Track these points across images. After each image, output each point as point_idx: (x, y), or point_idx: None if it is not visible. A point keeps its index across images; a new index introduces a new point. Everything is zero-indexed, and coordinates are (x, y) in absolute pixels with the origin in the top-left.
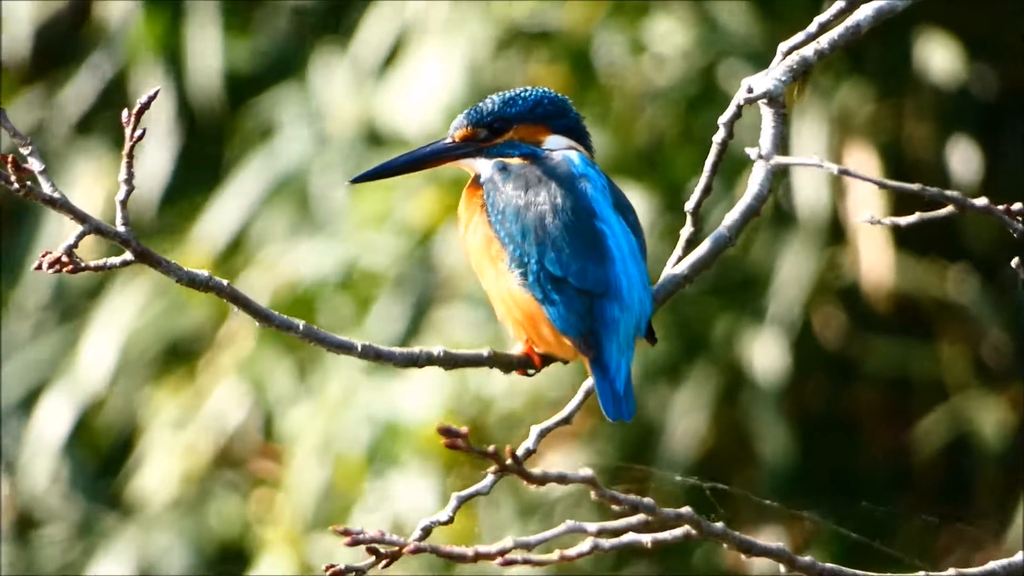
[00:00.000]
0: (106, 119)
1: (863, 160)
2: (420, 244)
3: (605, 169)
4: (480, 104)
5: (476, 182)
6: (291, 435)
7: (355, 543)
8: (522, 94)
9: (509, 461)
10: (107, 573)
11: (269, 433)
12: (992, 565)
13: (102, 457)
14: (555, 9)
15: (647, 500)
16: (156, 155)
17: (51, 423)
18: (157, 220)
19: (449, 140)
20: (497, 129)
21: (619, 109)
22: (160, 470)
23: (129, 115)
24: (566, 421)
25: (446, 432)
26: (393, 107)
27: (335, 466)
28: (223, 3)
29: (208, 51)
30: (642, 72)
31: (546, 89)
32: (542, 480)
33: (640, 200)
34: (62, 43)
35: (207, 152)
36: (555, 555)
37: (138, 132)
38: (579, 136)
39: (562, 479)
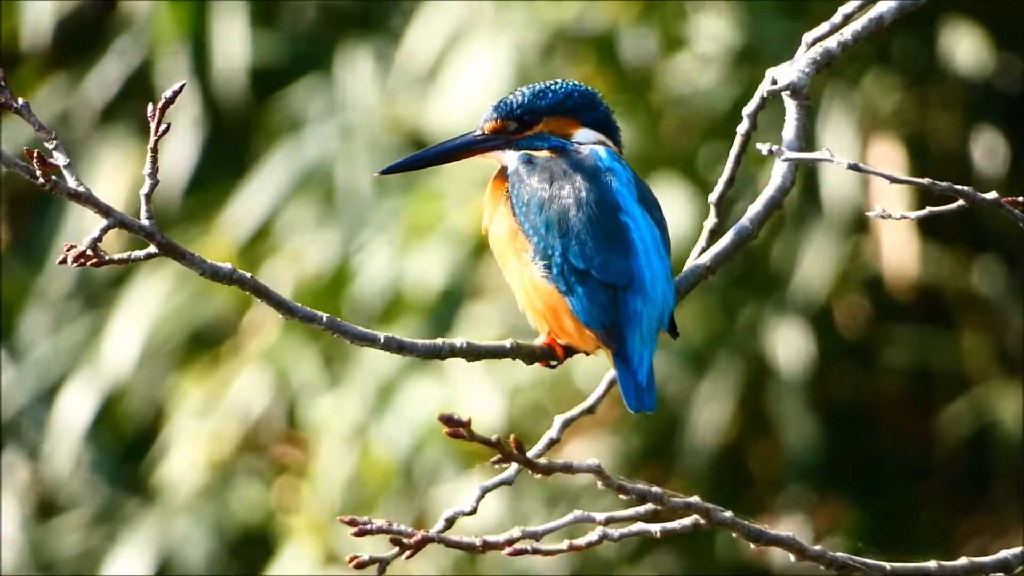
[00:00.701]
0: (131, 108)
1: (887, 151)
2: (472, 254)
3: (644, 164)
4: (510, 97)
5: (503, 174)
6: (317, 424)
7: (362, 533)
8: (552, 87)
9: (514, 450)
10: (129, 559)
11: (293, 421)
12: (1004, 554)
13: (126, 444)
14: (596, 9)
15: (656, 489)
16: (181, 145)
17: (75, 410)
18: (182, 209)
19: (479, 132)
20: (527, 122)
21: (658, 105)
22: (185, 457)
23: (154, 109)
24: (590, 411)
25: (448, 421)
26: (438, 111)
27: (363, 458)
28: None
29: (234, 42)
30: (681, 70)
31: (576, 82)
32: (548, 469)
33: (678, 196)
34: (87, 32)
35: (232, 143)
36: (564, 544)
37: (163, 126)
38: (609, 130)
39: (568, 468)
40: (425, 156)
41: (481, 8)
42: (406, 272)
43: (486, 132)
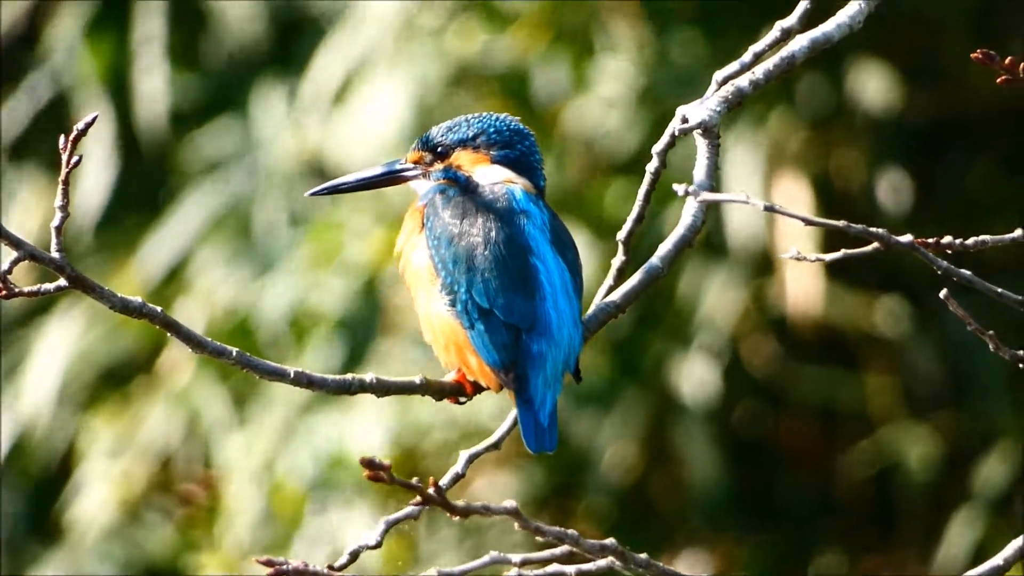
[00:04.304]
0: (48, 142)
1: (794, 189)
2: (367, 285)
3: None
4: (434, 128)
5: (420, 204)
6: (229, 463)
7: (279, 575)
8: (469, 120)
9: (432, 493)
10: None
11: (206, 461)
12: None
13: (38, 483)
14: (500, 44)
15: (571, 531)
16: (96, 180)
17: None
18: (95, 245)
19: (402, 161)
20: (440, 154)
21: (562, 144)
22: (97, 496)
23: (66, 141)
24: (495, 447)
25: (369, 464)
26: (341, 141)
27: (274, 494)
28: (168, 32)
29: (154, 80)
30: (587, 108)
31: (499, 118)
32: (465, 512)
33: (582, 236)
34: (5, 67)
35: (149, 181)
36: None
37: (75, 159)
38: (524, 170)
39: (486, 511)
40: (352, 181)
41: (384, 41)
42: (307, 301)
43: (408, 161)
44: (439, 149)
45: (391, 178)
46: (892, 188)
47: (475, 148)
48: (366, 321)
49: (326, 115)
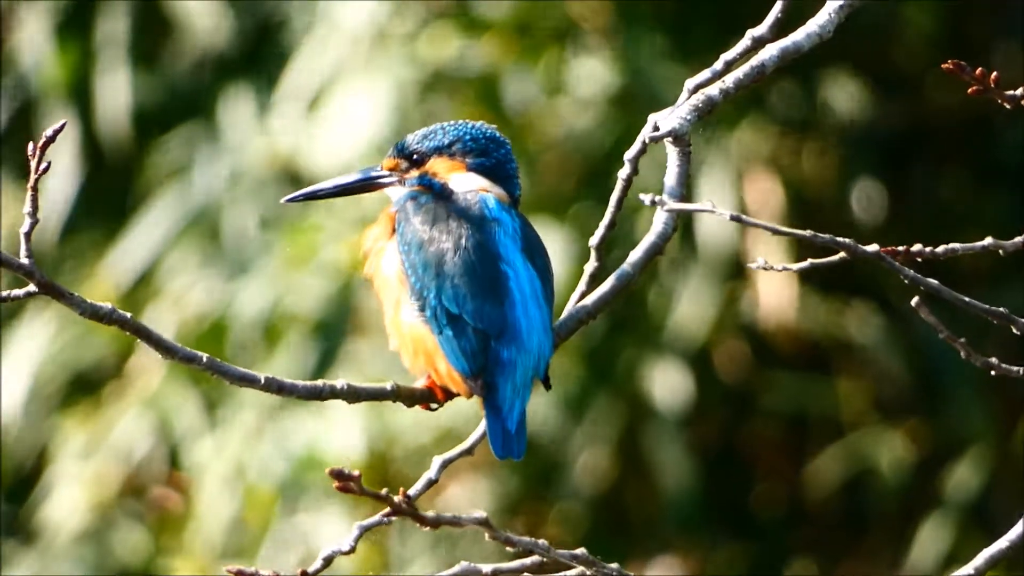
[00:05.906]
0: (8, 152)
1: (766, 194)
2: (343, 288)
3: (521, 208)
4: (410, 135)
5: (392, 210)
6: (199, 466)
7: None
8: (445, 128)
9: (402, 503)
10: None
11: (176, 464)
12: None
13: (11, 486)
14: (475, 51)
15: (542, 541)
16: (60, 188)
17: None
18: (59, 252)
19: (378, 168)
20: (416, 161)
21: (535, 150)
22: (67, 500)
23: (35, 148)
24: (468, 452)
25: (338, 476)
26: (314, 148)
27: (245, 497)
28: (132, 39)
29: (117, 87)
30: (560, 113)
31: (475, 126)
32: (436, 522)
33: (553, 240)
34: None
35: (114, 187)
36: None
37: (43, 165)
38: (499, 178)
39: (455, 522)
40: (327, 188)
41: (359, 48)
42: (282, 302)
43: (383, 168)
44: (415, 156)
45: (367, 185)
46: (865, 197)
47: (451, 155)
48: (342, 324)
49: (299, 121)
